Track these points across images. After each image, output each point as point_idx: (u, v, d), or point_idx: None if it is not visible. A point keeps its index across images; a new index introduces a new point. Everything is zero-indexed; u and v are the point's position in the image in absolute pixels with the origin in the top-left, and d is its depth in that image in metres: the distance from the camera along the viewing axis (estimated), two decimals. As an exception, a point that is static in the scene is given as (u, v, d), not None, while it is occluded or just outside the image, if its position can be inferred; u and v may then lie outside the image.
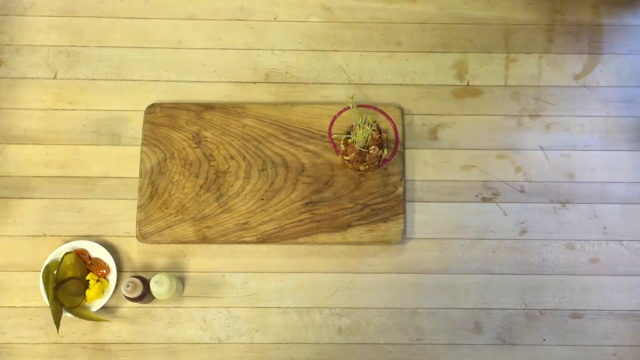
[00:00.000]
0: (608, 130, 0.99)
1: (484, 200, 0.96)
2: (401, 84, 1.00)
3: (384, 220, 0.92)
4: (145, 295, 0.86)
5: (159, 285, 0.84)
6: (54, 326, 0.87)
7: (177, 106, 0.97)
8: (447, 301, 0.92)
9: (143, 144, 0.95)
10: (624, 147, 0.98)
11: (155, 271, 0.92)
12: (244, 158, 0.95)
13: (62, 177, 0.95)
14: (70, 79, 0.99)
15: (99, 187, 0.95)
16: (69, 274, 0.89)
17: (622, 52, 1.02)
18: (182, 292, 0.91)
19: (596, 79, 1.01)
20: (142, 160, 0.94)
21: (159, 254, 0.93)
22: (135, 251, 0.93)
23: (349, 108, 0.89)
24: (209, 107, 0.97)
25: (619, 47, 1.02)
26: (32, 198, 0.94)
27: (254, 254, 0.93)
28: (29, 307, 0.91)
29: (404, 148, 0.96)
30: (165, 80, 1.00)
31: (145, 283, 0.86)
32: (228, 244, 0.92)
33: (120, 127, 0.97)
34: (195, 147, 0.95)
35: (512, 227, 0.95)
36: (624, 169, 0.97)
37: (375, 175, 0.94)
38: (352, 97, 0.88)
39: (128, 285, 0.83)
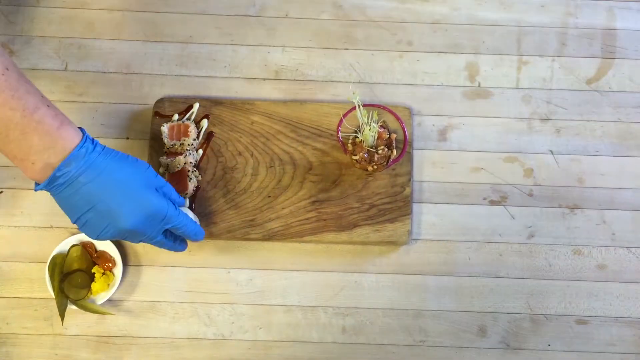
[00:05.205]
0: (619, 135, 0.98)
1: (492, 203, 0.95)
2: (411, 84, 1.00)
3: (391, 220, 0.92)
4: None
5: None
6: (59, 318, 0.88)
7: (186, 101, 0.96)
8: (452, 303, 0.92)
9: (151, 138, 0.95)
10: (635, 154, 0.97)
11: (161, 265, 0.92)
12: (252, 155, 0.94)
13: (70, 169, 0.95)
14: (81, 71, 0.99)
15: (106, 180, 0.95)
16: (75, 266, 0.89)
17: (635, 57, 1.01)
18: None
19: (609, 83, 1.00)
20: (150, 154, 0.94)
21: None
22: (140, 245, 0.93)
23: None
24: (217, 102, 0.96)
25: (632, 52, 1.01)
26: (40, 189, 0.95)
27: (260, 251, 0.93)
28: (34, 298, 0.91)
29: (412, 148, 0.96)
30: (175, 75, 0.99)
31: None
32: (234, 240, 0.92)
33: (129, 120, 0.97)
34: (203, 143, 0.95)
35: (520, 230, 0.94)
36: (634, 176, 0.96)
37: (383, 175, 0.93)
38: (354, 93, 0.86)
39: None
